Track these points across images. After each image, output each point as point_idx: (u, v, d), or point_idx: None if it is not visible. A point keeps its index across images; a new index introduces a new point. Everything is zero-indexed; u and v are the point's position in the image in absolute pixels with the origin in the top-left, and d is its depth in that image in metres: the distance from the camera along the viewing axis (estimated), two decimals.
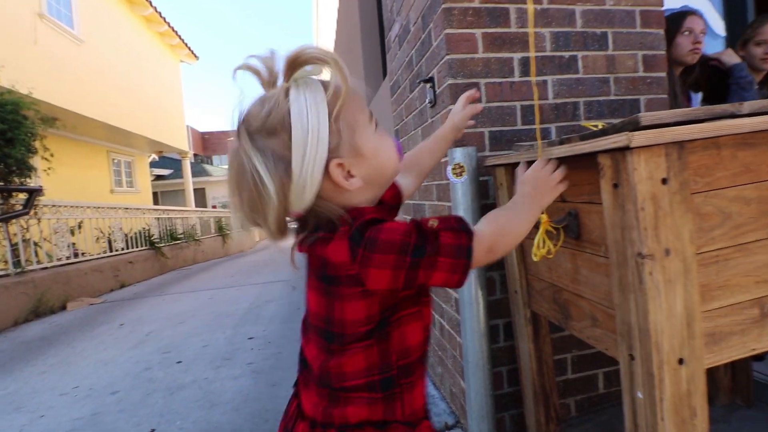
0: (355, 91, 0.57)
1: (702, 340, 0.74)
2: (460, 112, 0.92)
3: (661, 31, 1.48)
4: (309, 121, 0.50)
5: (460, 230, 0.56)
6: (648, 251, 0.69)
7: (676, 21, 1.62)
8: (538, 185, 0.74)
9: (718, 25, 2.52)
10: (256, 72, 0.53)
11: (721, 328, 0.77)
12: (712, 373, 1.43)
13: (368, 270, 0.51)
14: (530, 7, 0.77)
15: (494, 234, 0.60)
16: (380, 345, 0.56)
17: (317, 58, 0.52)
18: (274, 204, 0.51)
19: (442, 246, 0.53)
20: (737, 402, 1.44)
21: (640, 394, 0.76)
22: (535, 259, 0.93)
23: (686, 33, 1.61)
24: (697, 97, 1.81)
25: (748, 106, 0.74)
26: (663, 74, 1.49)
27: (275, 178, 0.50)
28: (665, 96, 1.49)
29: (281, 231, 0.54)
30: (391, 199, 0.67)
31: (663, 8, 1.48)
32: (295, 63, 0.52)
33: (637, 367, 0.75)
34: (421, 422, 0.61)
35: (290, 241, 0.59)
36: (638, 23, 1.45)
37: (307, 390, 0.61)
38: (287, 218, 0.54)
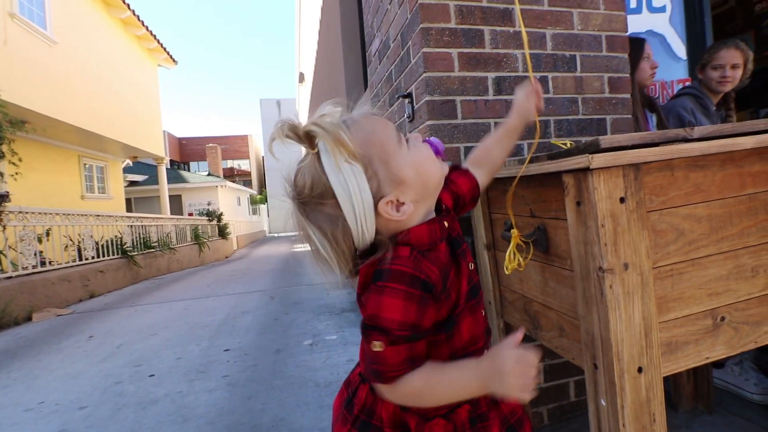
0: (373, 123, 0.60)
1: (659, 349, 0.79)
2: (524, 102, 0.88)
3: (626, 55, 1.57)
4: (347, 180, 0.55)
5: (393, 366, 0.55)
6: (608, 265, 0.73)
7: (637, 47, 1.72)
8: (504, 371, 0.54)
9: (680, 49, 2.67)
10: (292, 139, 0.57)
11: (677, 338, 0.82)
12: (674, 381, 1.50)
13: (363, 303, 0.58)
14: (523, 31, 0.81)
15: (415, 391, 0.57)
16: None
17: (325, 129, 0.55)
18: (337, 260, 0.58)
19: (375, 354, 0.55)
20: (699, 408, 1.51)
21: (603, 402, 0.80)
22: (506, 272, 0.97)
23: (646, 58, 1.72)
24: (653, 117, 1.92)
25: (698, 131, 0.81)
26: (627, 95, 1.57)
27: (335, 240, 0.57)
28: (629, 116, 1.57)
29: (352, 273, 0.60)
30: (469, 192, 0.77)
31: (627, 34, 1.57)
32: (309, 136, 0.56)
33: (600, 375, 0.79)
34: (432, 418, 0.62)
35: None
36: (604, 47, 1.53)
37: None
38: (356, 258, 0.60)
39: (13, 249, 4.59)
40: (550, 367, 1.50)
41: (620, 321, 0.75)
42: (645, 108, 1.85)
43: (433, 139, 0.66)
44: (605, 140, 0.72)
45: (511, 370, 0.53)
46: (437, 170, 0.63)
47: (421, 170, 0.60)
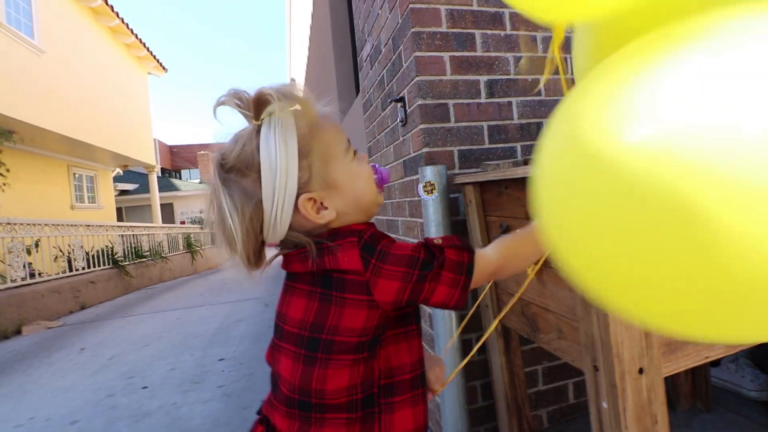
0: (329, 124, 0.58)
1: (659, 350, 0.79)
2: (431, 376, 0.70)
3: None
4: (278, 160, 0.51)
5: (462, 248, 0.57)
6: None
7: None
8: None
9: None
10: (238, 108, 0.54)
11: (676, 338, 0.82)
12: (672, 380, 1.50)
13: (378, 280, 0.52)
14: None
15: (498, 259, 0.60)
16: (367, 362, 0.55)
17: (283, 97, 0.52)
18: (242, 239, 0.53)
19: (446, 260, 0.54)
20: (697, 406, 1.52)
21: (605, 404, 0.79)
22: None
23: None
24: None
25: None
26: None
27: (244, 216, 0.52)
28: None
29: (253, 262, 0.56)
30: None
31: None
32: (260, 101, 0.52)
33: (601, 377, 0.79)
34: None
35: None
36: None
37: (278, 414, 0.59)
38: (262, 250, 0.56)
39: (1, 261, 4.51)
40: (549, 369, 1.49)
41: (620, 322, 0.75)
42: None
43: (380, 167, 0.65)
44: None
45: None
46: (371, 193, 0.60)
47: (356, 183, 0.58)
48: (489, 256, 0.60)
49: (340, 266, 0.53)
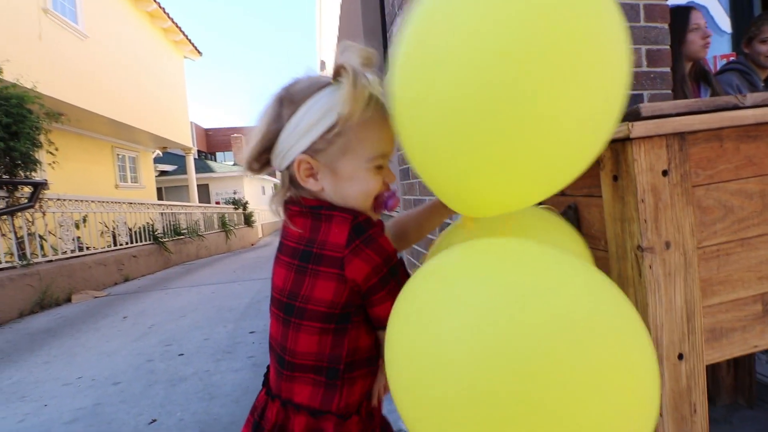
0: (380, 127, 0.60)
1: (702, 335, 0.73)
2: None
3: (666, 26, 1.46)
4: (310, 117, 0.58)
5: None
6: (648, 244, 0.68)
7: (683, 18, 1.59)
8: None
9: (724, 22, 2.48)
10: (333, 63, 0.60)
11: (722, 324, 0.76)
12: (714, 372, 1.42)
13: (354, 259, 0.58)
14: None
15: None
16: (336, 336, 0.61)
17: (356, 81, 0.56)
18: (257, 139, 0.61)
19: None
20: (739, 402, 1.43)
21: None
22: None
23: (695, 29, 1.59)
24: (707, 91, 1.79)
25: (751, 98, 0.73)
26: (667, 69, 1.47)
27: (269, 127, 0.61)
28: (669, 91, 1.47)
29: (254, 167, 0.64)
30: None
31: (667, 2, 1.46)
32: (339, 71, 0.58)
33: None
34: (350, 416, 0.64)
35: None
36: (642, 17, 1.43)
37: (271, 370, 0.70)
38: (265, 164, 0.65)
39: (53, 234, 4.83)
40: None
41: (660, 304, 0.70)
42: (699, 81, 1.72)
43: (392, 193, 0.66)
44: (646, 107, 0.66)
45: None
46: (361, 203, 0.63)
47: (351, 186, 0.61)
48: None
49: (327, 237, 0.60)
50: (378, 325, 0.63)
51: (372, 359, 0.66)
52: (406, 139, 0.55)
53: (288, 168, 0.62)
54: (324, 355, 0.62)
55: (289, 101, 0.60)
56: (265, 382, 0.71)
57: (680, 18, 1.58)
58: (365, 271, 0.58)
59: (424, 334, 0.46)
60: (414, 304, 0.51)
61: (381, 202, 0.64)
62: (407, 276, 0.61)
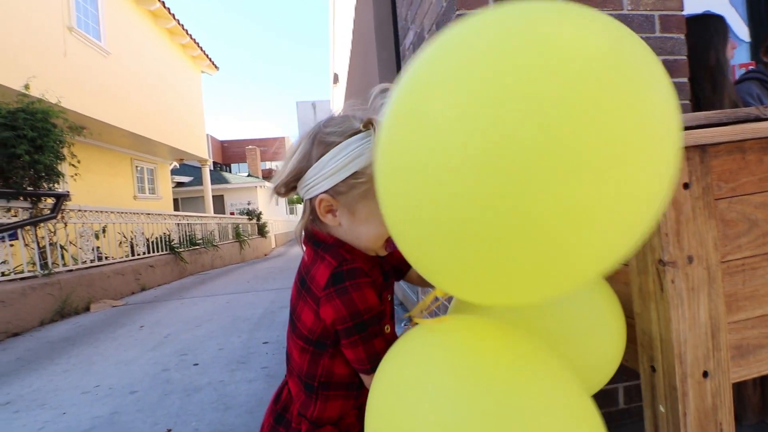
0: None
1: (728, 352, 0.71)
2: None
3: (682, 36, 1.45)
4: (337, 161, 0.63)
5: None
6: (669, 258, 0.67)
7: (726, 25, 1.57)
8: None
9: (743, 31, 2.45)
10: (366, 113, 0.65)
11: (749, 341, 0.74)
12: (739, 390, 1.37)
13: (326, 304, 0.63)
14: None
15: None
16: (312, 357, 0.68)
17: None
18: (289, 170, 0.67)
19: (372, 344, 0.63)
20: (766, 421, 1.37)
21: (662, 408, 0.73)
22: None
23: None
24: None
25: None
26: (684, 80, 1.45)
27: (300, 163, 0.66)
28: (687, 101, 1.45)
29: (281, 191, 0.69)
30: (401, 262, 0.80)
31: (683, 13, 1.45)
32: (371, 123, 0.62)
33: (659, 379, 0.73)
34: (323, 426, 0.70)
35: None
36: (657, 28, 1.42)
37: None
38: (291, 191, 0.70)
39: (74, 244, 4.96)
40: None
41: (683, 319, 0.68)
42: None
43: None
44: None
45: None
46: (373, 244, 0.67)
47: (366, 227, 0.66)
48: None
49: (316, 274, 0.65)
50: (351, 365, 0.67)
51: (351, 385, 0.69)
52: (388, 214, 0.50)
53: (311, 200, 0.67)
54: (303, 369, 0.69)
55: (320, 142, 0.65)
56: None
57: (724, 25, 1.56)
58: (332, 318, 0.63)
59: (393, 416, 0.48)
60: (390, 382, 0.53)
61: (391, 243, 0.68)
62: (384, 334, 0.66)
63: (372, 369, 0.62)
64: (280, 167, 0.69)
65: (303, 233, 0.71)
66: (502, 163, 0.33)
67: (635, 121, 0.33)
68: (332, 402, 0.69)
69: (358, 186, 0.62)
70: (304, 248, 0.71)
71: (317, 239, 0.69)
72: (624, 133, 0.33)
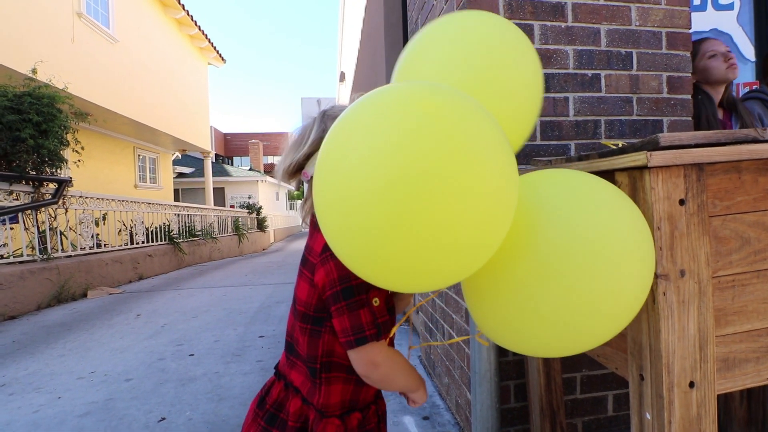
0: None
1: (715, 364, 0.74)
2: None
3: (688, 54, 1.47)
4: (313, 135, 0.71)
5: (378, 330, 0.66)
6: (662, 271, 0.69)
7: (694, 51, 1.60)
8: (422, 389, 0.77)
9: (748, 50, 2.48)
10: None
11: (736, 354, 0.76)
12: (726, 403, 1.40)
13: (321, 268, 0.66)
14: None
15: (385, 363, 0.68)
16: (311, 337, 0.70)
17: None
18: (304, 151, 0.71)
19: (357, 314, 0.65)
20: None
21: (648, 415, 0.76)
22: None
23: (712, 55, 1.60)
24: (737, 123, 1.78)
25: None
26: (688, 96, 1.48)
27: (317, 134, 0.71)
28: (689, 118, 1.48)
29: (288, 174, 0.74)
30: None
31: (690, 31, 1.47)
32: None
33: (647, 387, 0.75)
34: (330, 417, 0.71)
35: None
36: (664, 44, 1.44)
37: (284, 353, 0.81)
38: (297, 174, 0.74)
39: (73, 231, 4.97)
40: (588, 378, 1.43)
41: (673, 331, 0.71)
42: (731, 111, 1.71)
43: None
44: (665, 137, 0.68)
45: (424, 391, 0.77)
46: None
47: None
48: (383, 352, 0.67)
49: (314, 244, 0.69)
50: (339, 340, 0.68)
51: (351, 368, 0.70)
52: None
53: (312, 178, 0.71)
54: (306, 352, 0.71)
55: (329, 117, 0.71)
56: (276, 367, 0.81)
57: (693, 52, 1.60)
58: (323, 282, 0.66)
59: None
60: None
61: None
62: (371, 305, 0.67)
63: (357, 342, 0.64)
64: (290, 150, 0.74)
65: (309, 216, 0.74)
66: (397, 187, 0.47)
67: (465, 160, 0.49)
68: (334, 386, 0.71)
69: None
70: (309, 229, 0.75)
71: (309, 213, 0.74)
72: (457, 169, 0.48)
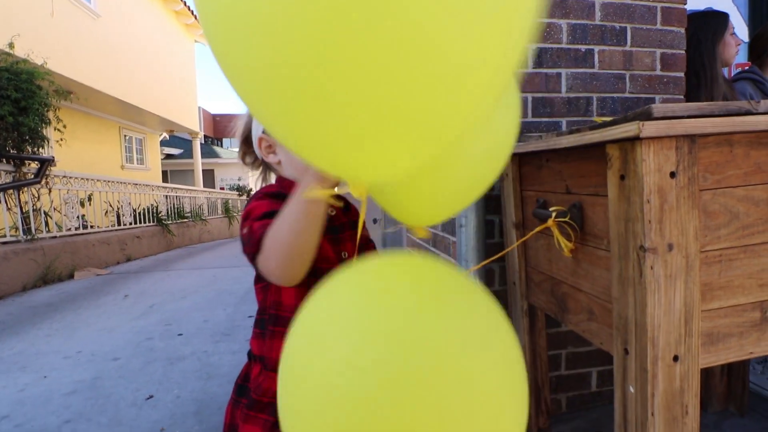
0: None
1: (699, 339, 0.74)
2: None
3: (682, 30, 1.45)
4: None
5: (263, 234, 0.63)
6: (651, 245, 0.68)
7: (722, 21, 1.58)
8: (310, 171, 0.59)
9: (742, 31, 2.46)
10: None
11: (720, 329, 0.77)
12: (707, 379, 1.43)
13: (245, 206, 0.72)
14: None
15: (268, 245, 0.61)
16: (265, 291, 0.74)
17: None
18: (241, 126, 0.79)
19: (251, 230, 0.66)
20: (730, 410, 1.44)
21: (632, 389, 0.76)
22: (565, 254, 0.93)
23: (733, 33, 1.58)
24: None
25: (764, 104, 0.73)
26: (681, 74, 1.46)
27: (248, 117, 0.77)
28: (681, 96, 1.46)
29: (244, 152, 0.80)
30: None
31: (685, 6, 1.44)
32: None
33: (631, 361, 0.75)
34: (274, 370, 0.66)
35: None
36: (659, 20, 1.41)
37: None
38: (250, 156, 0.80)
39: (58, 211, 4.87)
40: (573, 355, 1.45)
41: (659, 305, 0.70)
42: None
43: None
44: (658, 108, 0.66)
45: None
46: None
47: (292, 167, 0.73)
48: (265, 246, 0.63)
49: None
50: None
51: None
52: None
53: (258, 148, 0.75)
54: (258, 306, 0.76)
55: None
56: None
57: (719, 20, 1.57)
58: (243, 215, 0.71)
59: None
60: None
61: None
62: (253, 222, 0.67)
63: (250, 250, 0.65)
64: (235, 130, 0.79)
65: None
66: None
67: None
68: (277, 341, 0.69)
69: None
70: None
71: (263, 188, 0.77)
72: None
